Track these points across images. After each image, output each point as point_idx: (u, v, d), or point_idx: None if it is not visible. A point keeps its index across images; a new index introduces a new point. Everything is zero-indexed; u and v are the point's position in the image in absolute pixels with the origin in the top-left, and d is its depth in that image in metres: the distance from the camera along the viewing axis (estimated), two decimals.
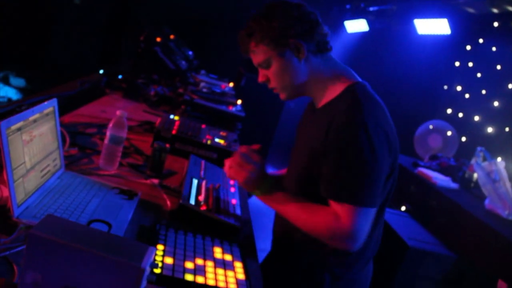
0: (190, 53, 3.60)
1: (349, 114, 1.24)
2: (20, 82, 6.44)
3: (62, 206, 1.26)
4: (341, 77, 1.38)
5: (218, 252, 1.30)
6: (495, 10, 4.35)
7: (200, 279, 1.13)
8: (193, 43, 4.17)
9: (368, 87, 1.37)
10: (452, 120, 4.88)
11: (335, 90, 1.36)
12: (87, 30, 6.18)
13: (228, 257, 1.29)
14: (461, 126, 4.78)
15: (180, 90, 3.10)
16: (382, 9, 5.70)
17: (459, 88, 5.19)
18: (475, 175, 3.58)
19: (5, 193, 1.19)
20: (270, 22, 1.32)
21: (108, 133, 1.62)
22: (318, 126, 1.32)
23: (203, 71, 4.05)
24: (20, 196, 1.16)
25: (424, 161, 4.17)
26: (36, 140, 1.27)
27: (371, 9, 5.95)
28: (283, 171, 1.71)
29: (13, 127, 1.13)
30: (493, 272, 2.76)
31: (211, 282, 1.14)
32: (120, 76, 3.11)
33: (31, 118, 1.23)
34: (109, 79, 3.03)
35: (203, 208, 1.43)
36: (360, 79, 1.39)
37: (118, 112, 1.62)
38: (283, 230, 1.47)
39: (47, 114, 1.35)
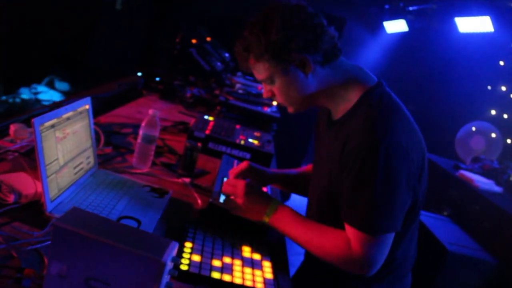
0: (227, 55, 3.62)
1: (364, 134, 1.14)
2: (64, 86, 6.67)
3: (94, 203, 1.28)
4: (354, 83, 1.25)
5: (246, 251, 1.29)
6: None
7: (226, 277, 1.13)
8: (231, 44, 4.20)
9: (384, 89, 1.25)
10: (496, 122, 4.71)
11: (350, 99, 1.24)
12: (128, 34, 6.34)
13: (256, 256, 1.28)
14: (505, 128, 4.61)
15: (216, 92, 3.12)
16: (422, 8, 5.56)
17: (503, 88, 5.01)
18: None
19: (40, 188, 1.23)
20: (268, 35, 1.18)
21: (141, 132, 1.64)
22: (335, 144, 1.24)
23: (239, 73, 4.06)
24: (53, 191, 1.19)
25: (466, 164, 4.04)
26: (70, 138, 1.30)
27: (410, 8, 5.82)
28: (291, 170, 1.67)
29: (47, 124, 1.16)
30: None
31: (237, 281, 1.13)
32: (157, 78, 3.16)
33: (65, 116, 1.27)
34: (146, 80, 3.09)
35: None
36: (375, 79, 1.27)
37: (150, 111, 1.65)
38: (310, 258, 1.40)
39: (80, 112, 1.38)
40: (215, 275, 1.12)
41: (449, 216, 3.46)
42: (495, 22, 4.19)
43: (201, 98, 3.05)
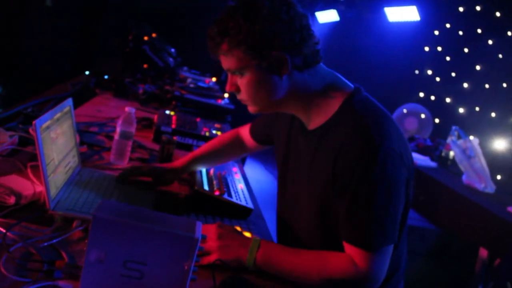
0: (173, 50, 3.67)
1: (358, 145, 1.06)
2: None
3: (89, 198, 1.34)
4: (332, 89, 1.18)
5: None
6: None
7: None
8: (171, 39, 4.23)
9: (364, 94, 1.19)
10: (425, 103, 5.09)
11: (329, 107, 1.17)
12: (61, 33, 6.15)
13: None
14: (434, 108, 4.99)
15: (167, 87, 3.18)
16: None
17: (429, 72, 5.40)
18: (452, 153, 3.78)
19: (37, 188, 1.27)
20: (252, 24, 1.08)
21: (118, 129, 1.70)
22: (318, 158, 1.16)
23: (185, 68, 4.13)
24: (52, 190, 1.24)
25: None
26: (60, 138, 1.34)
27: None
28: (196, 151, 1.68)
29: (44, 126, 1.20)
30: (474, 242, 2.96)
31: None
32: (106, 76, 3.16)
33: (55, 117, 1.31)
34: (97, 79, 3.08)
35: (217, 192, 1.53)
36: (351, 85, 1.21)
37: (126, 109, 1.71)
38: None
39: (66, 113, 1.43)
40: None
41: None
42: (421, 11, 4.53)
43: (153, 94, 3.10)
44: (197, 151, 1.67)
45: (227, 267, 1.12)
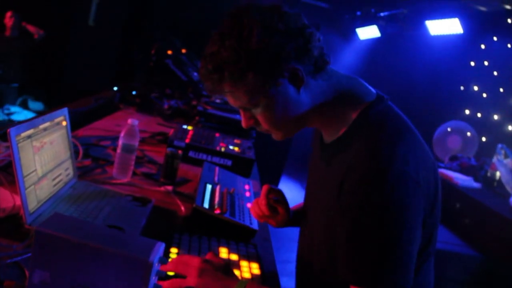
0: None
1: (365, 164, 0.91)
2: (38, 105, 6.56)
3: (75, 213, 1.25)
4: (349, 98, 1.04)
5: (233, 256, 1.26)
6: (507, 7, 4.29)
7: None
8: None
9: (385, 105, 1.04)
10: (471, 121, 4.82)
11: (345, 118, 1.03)
12: (102, 50, 6.30)
13: (244, 263, 1.24)
14: (480, 126, 4.71)
15: (194, 102, 3.11)
16: (393, 13, 5.67)
17: (476, 88, 5.13)
18: (498, 173, 3.50)
19: (18, 201, 1.19)
20: (247, 45, 0.92)
21: (120, 142, 1.62)
22: (330, 173, 1.03)
23: None
24: (32, 203, 1.16)
25: (445, 163, 4.10)
26: (47, 148, 1.27)
27: (381, 14, 5.93)
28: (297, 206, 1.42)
29: (23, 134, 1.13)
30: None
31: None
32: (134, 92, 3.14)
33: (41, 126, 1.24)
34: (123, 94, 3.06)
35: (217, 211, 1.41)
36: (374, 93, 1.06)
37: (129, 121, 1.63)
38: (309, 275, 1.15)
39: (57, 123, 1.36)
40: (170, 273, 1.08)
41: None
42: (463, 23, 4.29)
43: (179, 109, 3.04)
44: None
45: None
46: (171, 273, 1.02)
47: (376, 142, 0.93)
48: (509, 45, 4.66)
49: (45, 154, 1.26)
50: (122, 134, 1.62)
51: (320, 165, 1.10)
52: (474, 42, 4.99)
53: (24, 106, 6.46)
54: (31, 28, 6.00)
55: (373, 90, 1.07)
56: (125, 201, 1.42)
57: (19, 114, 6.29)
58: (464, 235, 3.08)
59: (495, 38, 4.83)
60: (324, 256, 1.05)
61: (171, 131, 2.28)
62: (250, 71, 0.94)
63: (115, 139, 2.11)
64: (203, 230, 1.37)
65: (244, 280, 1.03)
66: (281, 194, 1.28)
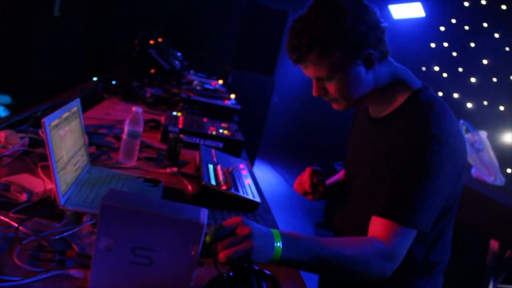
0: (179, 54, 3.71)
1: (417, 132, 1.12)
2: (5, 99, 6.46)
3: (99, 195, 1.37)
4: (401, 82, 1.24)
5: None
6: None
7: None
8: (177, 44, 4.28)
9: (431, 92, 1.24)
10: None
11: (396, 99, 1.23)
12: (70, 41, 6.24)
13: None
14: None
15: (174, 90, 3.22)
16: None
17: (436, 68, 5.39)
18: None
19: (48, 186, 1.30)
20: (341, 25, 1.10)
21: (125, 129, 1.73)
22: (378, 145, 1.22)
23: (192, 71, 4.17)
24: (62, 187, 1.27)
25: None
26: (69, 136, 1.38)
27: None
28: (337, 176, 1.62)
29: (53, 124, 1.24)
30: (485, 234, 2.94)
31: None
32: (113, 82, 3.21)
33: (64, 116, 1.35)
34: (105, 84, 3.13)
35: (224, 187, 1.55)
36: (420, 83, 1.26)
37: (133, 109, 1.74)
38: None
39: (73, 113, 1.46)
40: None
41: None
42: (426, 7, 4.52)
43: (160, 97, 3.13)
44: (332, 179, 1.61)
45: None
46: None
47: (426, 119, 1.12)
48: (466, 27, 4.93)
49: (68, 142, 1.37)
50: (127, 121, 1.73)
51: (368, 136, 1.30)
52: (434, 24, 5.24)
53: None
54: None
55: (419, 80, 1.27)
56: (138, 183, 1.55)
57: None
58: None
59: (453, 21, 5.10)
60: (363, 208, 1.25)
61: (162, 118, 2.39)
62: (338, 49, 1.12)
63: (111, 127, 2.22)
64: (211, 205, 1.52)
65: (278, 231, 1.04)
66: (321, 174, 1.47)
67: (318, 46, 1.12)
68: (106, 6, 6.44)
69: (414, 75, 1.28)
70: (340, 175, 1.62)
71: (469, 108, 4.68)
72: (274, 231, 1.03)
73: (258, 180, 1.98)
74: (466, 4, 4.82)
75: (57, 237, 1.09)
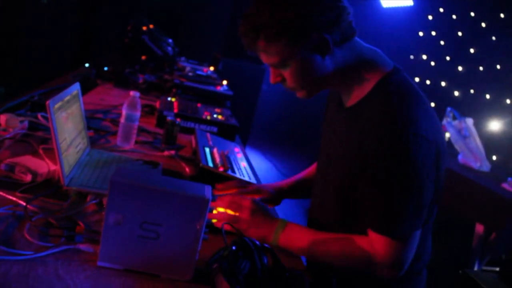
0: (170, 40, 3.72)
1: (383, 127, 1.06)
2: None
3: (101, 176, 1.40)
4: (370, 66, 1.16)
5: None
6: None
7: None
8: (167, 31, 4.29)
9: (401, 75, 1.16)
10: (421, 87, 5.14)
11: (364, 85, 1.16)
12: (58, 29, 6.18)
13: None
14: (430, 92, 5.04)
15: (166, 76, 3.24)
16: None
17: (424, 56, 5.46)
18: (447, 134, 3.85)
19: (51, 167, 1.34)
20: (283, 11, 1.05)
21: (123, 112, 1.76)
22: (349, 135, 1.17)
23: (183, 58, 4.18)
24: (66, 168, 1.30)
25: None
26: (70, 119, 1.41)
27: None
28: (300, 175, 1.62)
29: (56, 106, 1.27)
30: (471, 218, 3.03)
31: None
32: (105, 68, 3.22)
33: (65, 99, 1.37)
34: (98, 71, 3.15)
35: (221, 169, 1.60)
36: (391, 64, 1.19)
37: (131, 93, 1.77)
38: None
39: (74, 97, 1.49)
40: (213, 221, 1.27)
41: None
42: None
43: (153, 83, 3.16)
44: (299, 175, 1.61)
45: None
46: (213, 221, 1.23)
47: (393, 107, 1.07)
48: (454, 16, 5.00)
49: (70, 124, 1.40)
50: (125, 105, 1.76)
51: (339, 127, 1.23)
52: (422, 14, 5.30)
53: None
54: None
55: (390, 61, 1.20)
56: (138, 165, 1.58)
57: None
58: None
59: (441, 10, 5.16)
60: (335, 212, 1.23)
61: (156, 103, 2.42)
62: (283, 36, 1.07)
63: (106, 112, 2.24)
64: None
65: (284, 221, 1.22)
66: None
67: (262, 33, 1.08)
68: None
69: (385, 56, 1.21)
70: (307, 171, 1.61)
71: (457, 96, 4.77)
72: (282, 221, 1.19)
73: None
74: None
75: (63, 215, 1.13)
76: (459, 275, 1.69)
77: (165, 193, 0.92)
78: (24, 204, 1.10)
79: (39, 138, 1.60)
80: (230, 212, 1.24)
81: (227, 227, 1.15)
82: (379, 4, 5.06)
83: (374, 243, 1.09)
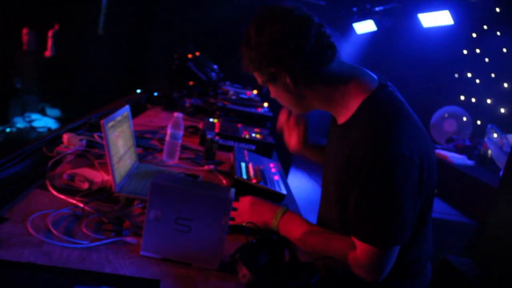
0: (215, 66, 3.97)
1: (366, 146, 1.14)
2: (55, 112, 6.94)
3: (146, 185, 1.60)
4: (353, 87, 1.24)
5: None
6: None
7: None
8: (214, 57, 4.55)
9: (386, 92, 1.24)
10: (466, 105, 5.14)
11: (351, 104, 1.24)
12: (112, 57, 6.64)
13: None
14: (475, 110, 5.04)
15: (211, 100, 3.48)
16: (387, 8, 6.01)
17: (469, 74, 5.45)
18: (489, 151, 3.85)
19: (105, 177, 1.55)
20: (253, 50, 1.23)
21: (168, 132, 1.97)
22: (340, 151, 1.25)
23: (228, 82, 4.43)
24: (117, 177, 1.52)
25: (442, 145, 4.45)
26: (121, 137, 1.63)
27: (376, 9, 6.27)
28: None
29: (109, 125, 1.49)
30: None
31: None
32: (155, 93, 3.50)
33: (117, 119, 1.60)
34: (148, 96, 3.43)
35: (254, 181, 1.77)
36: (376, 80, 1.27)
37: (175, 114, 1.98)
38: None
39: (125, 117, 1.71)
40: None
41: (436, 195, 3.83)
42: (454, 15, 4.62)
43: (199, 106, 3.40)
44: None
45: (258, 229, 1.35)
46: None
47: (374, 127, 1.15)
48: (498, 33, 4.99)
49: (121, 141, 1.62)
50: (169, 125, 1.98)
51: (335, 142, 1.34)
52: (465, 32, 5.32)
53: (43, 113, 6.83)
54: (49, 43, 6.32)
55: (375, 77, 1.27)
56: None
57: (40, 120, 6.66)
58: (460, 206, 3.42)
59: (485, 27, 5.16)
60: (335, 217, 1.33)
61: (200, 124, 2.64)
62: (255, 68, 1.26)
63: (155, 132, 2.48)
64: (242, 195, 1.72)
65: (285, 208, 1.40)
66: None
67: (249, 63, 1.27)
68: (146, 23, 6.82)
69: (370, 73, 1.28)
70: None
71: (502, 114, 4.73)
72: (282, 208, 1.37)
73: (293, 187, 2.15)
74: (498, 10, 4.88)
75: (114, 215, 1.33)
76: (439, 260, 1.79)
77: (195, 193, 1.10)
78: (82, 205, 1.31)
79: (95, 154, 1.83)
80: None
81: (249, 224, 1.32)
82: (420, 23, 5.13)
83: (359, 252, 1.18)
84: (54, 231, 1.16)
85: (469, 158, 3.92)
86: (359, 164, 1.14)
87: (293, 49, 1.19)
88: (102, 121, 1.43)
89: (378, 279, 1.18)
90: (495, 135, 3.69)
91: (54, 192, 1.41)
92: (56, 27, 6.32)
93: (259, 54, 1.22)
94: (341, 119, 1.29)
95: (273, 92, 1.33)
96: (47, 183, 1.45)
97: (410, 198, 1.14)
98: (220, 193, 1.11)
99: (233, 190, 1.15)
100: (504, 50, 4.90)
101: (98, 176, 1.55)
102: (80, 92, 6.74)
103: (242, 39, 1.28)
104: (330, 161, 1.35)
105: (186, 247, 1.13)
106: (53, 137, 1.93)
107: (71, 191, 1.45)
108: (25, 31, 6.40)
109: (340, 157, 1.23)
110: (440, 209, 3.35)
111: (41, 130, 6.48)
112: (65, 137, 1.83)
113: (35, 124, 6.52)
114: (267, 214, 1.38)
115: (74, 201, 1.36)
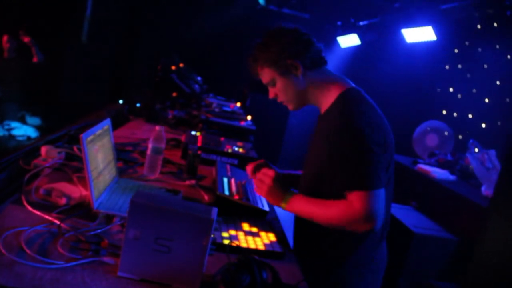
0: (199, 78, 3.95)
1: (342, 118, 1.45)
2: (36, 121, 6.81)
3: (126, 201, 1.57)
4: (335, 84, 1.58)
5: (254, 228, 1.59)
6: (476, 14, 4.68)
7: (235, 243, 1.42)
8: (198, 69, 4.54)
9: (361, 91, 1.58)
10: (448, 120, 5.19)
11: (331, 96, 1.57)
12: (95, 66, 6.57)
13: (254, 229, 1.58)
14: (457, 125, 5.09)
15: (194, 112, 3.45)
16: (371, 22, 6.07)
17: (451, 89, 5.52)
18: (471, 167, 3.87)
19: (83, 192, 1.51)
20: (268, 47, 1.58)
21: (150, 146, 1.94)
22: (321, 134, 1.56)
23: (211, 94, 4.40)
24: (95, 192, 1.47)
25: (424, 159, 4.47)
26: (101, 151, 1.59)
27: (361, 23, 6.33)
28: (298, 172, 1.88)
29: (88, 139, 1.45)
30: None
31: (243, 244, 1.43)
32: (138, 104, 3.46)
33: (97, 133, 1.56)
34: (130, 107, 3.39)
35: (236, 197, 1.74)
36: (353, 85, 1.60)
37: (157, 127, 1.95)
38: (303, 234, 1.69)
39: (105, 131, 1.68)
40: (225, 241, 1.41)
41: (415, 208, 3.85)
42: (437, 31, 4.68)
43: (181, 118, 3.37)
44: (297, 171, 1.92)
45: (239, 249, 1.32)
46: (226, 241, 1.40)
47: (348, 107, 1.49)
48: (479, 49, 5.07)
49: (100, 155, 1.58)
50: (151, 139, 1.94)
51: (317, 131, 1.63)
52: (447, 47, 5.39)
53: (23, 121, 6.70)
54: (33, 50, 6.22)
55: (353, 84, 1.61)
56: (161, 192, 1.74)
57: (19, 129, 6.52)
58: (442, 221, 3.43)
59: (466, 43, 5.24)
60: (314, 181, 1.59)
61: (182, 137, 2.60)
62: (268, 62, 1.59)
63: (136, 145, 2.43)
64: (225, 213, 1.70)
65: (292, 192, 1.57)
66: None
67: (257, 61, 1.62)
68: (130, 33, 6.78)
69: (350, 81, 1.61)
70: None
71: (483, 128, 4.79)
72: (290, 192, 1.56)
73: None
74: (479, 26, 4.96)
75: (92, 233, 1.29)
76: (423, 285, 1.79)
77: (176, 213, 1.07)
78: (58, 222, 1.27)
79: (74, 167, 1.78)
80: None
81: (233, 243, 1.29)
82: (403, 39, 5.19)
83: (352, 201, 1.39)
84: (28, 250, 1.11)
85: (451, 173, 3.94)
86: (336, 131, 1.45)
87: (306, 44, 1.57)
88: (81, 135, 1.39)
89: (374, 226, 1.38)
90: (476, 150, 3.72)
91: (30, 208, 1.36)
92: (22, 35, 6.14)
93: (280, 48, 1.55)
94: (323, 109, 1.61)
95: (281, 85, 1.61)
96: (23, 198, 1.41)
97: (378, 148, 1.42)
98: (201, 213, 1.08)
99: (215, 210, 1.12)
100: (485, 66, 4.97)
101: (76, 191, 1.51)
102: (62, 100, 6.65)
103: (247, 50, 1.64)
104: (314, 143, 1.63)
105: (166, 268, 1.09)
106: (30, 149, 1.88)
107: (47, 206, 1.41)
108: (5, 38, 6.30)
109: (322, 136, 1.54)
110: (422, 224, 3.35)
111: (20, 138, 6.35)
112: (43, 149, 1.79)
113: (14, 132, 6.38)
114: (279, 196, 1.57)
115: (50, 218, 1.32)
